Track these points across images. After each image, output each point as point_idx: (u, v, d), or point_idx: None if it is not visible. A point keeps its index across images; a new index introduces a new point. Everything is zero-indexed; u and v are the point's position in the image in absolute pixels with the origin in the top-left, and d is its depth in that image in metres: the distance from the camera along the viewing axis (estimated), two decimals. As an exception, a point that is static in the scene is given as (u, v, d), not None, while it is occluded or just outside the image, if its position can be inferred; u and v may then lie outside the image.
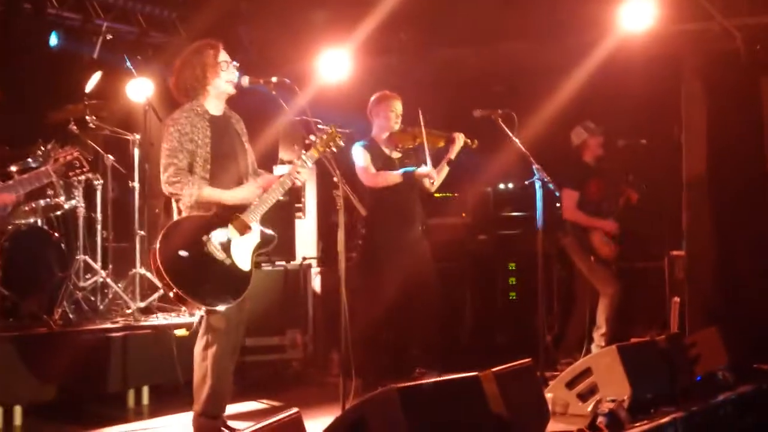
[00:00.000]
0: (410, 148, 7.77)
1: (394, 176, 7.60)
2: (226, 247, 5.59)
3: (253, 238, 5.74)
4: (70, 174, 6.80)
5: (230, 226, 5.63)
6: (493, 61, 9.83)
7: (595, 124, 8.96)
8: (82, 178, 7.89)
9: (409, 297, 7.57)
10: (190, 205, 5.58)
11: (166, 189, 5.62)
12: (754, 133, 8.67)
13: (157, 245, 5.41)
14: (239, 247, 5.65)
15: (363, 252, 7.74)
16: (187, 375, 5.95)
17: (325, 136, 5.90)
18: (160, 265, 5.38)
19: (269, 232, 5.83)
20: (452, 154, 7.73)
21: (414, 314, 7.70)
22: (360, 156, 7.63)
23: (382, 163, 7.66)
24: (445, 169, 7.76)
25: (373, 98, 7.85)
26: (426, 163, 7.56)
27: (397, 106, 7.76)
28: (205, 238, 5.54)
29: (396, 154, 7.78)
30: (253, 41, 10.12)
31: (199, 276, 5.49)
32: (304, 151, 5.90)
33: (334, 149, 5.95)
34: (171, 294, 5.49)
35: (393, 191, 7.60)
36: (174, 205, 5.75)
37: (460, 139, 7.71)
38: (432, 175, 7.60)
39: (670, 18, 8.37)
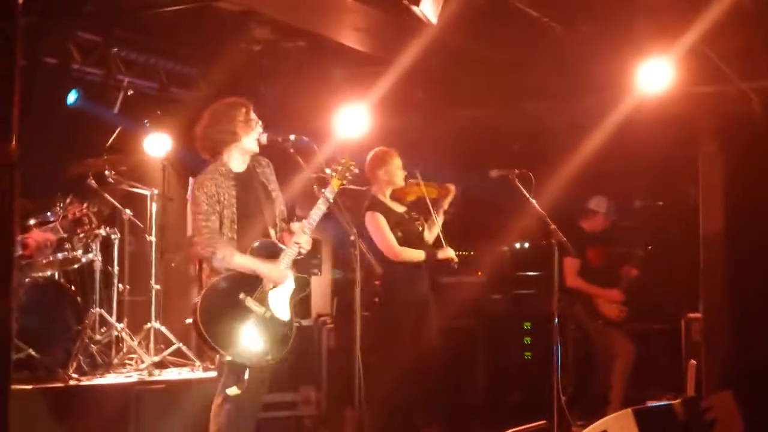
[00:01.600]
0: (413, 201, 7.82)
1: (418, 255, 7.61)
2: (263, 300, 5.62)
3: (289, 285, 5.77)
4: (78, 231, 6.83)
5: (264, 279, 5.65)
6: (511, 120, 9.89)
7: (614, 210, 9.00)
8: (101, 232, 7.94)
9: (414, 355, 7.55)
10: (219, 268, 5.61)
11: (198, 252, 5.65)
12: (771, 195, 8.67)
13: (197, 309, 5.45)
14: (277, 298, 5.69)
15: (380, 311, 7.73)
16: (204, 430, 5.91)
17: (340, 167, 5.91)
18: (201, 328, 5.42)
19: (303, 276, 5.85)
20: (445, 205, 7.82)
21: (420, 373, 7.66)
22: (378, 225, 7.58)
23: (395, 221, 7.65)
24: (441, 220, 7.79)
25: (372, 155, 7.83)
26: (436, 220, 7.69)
27: (399, 162, 7.79)
28: (242, 296, 5.57)
29: (401, 208, 7.80)
30: (273, 97, 10.20)
31: (242, 334, 5.53)
32: (324, 189, 5.88)
33: (351, 177, 5.95)
34: (217, 357, 5.52)
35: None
36: (203, 263, 5.77)
37: (452, 191, 7.79)
38: (454, 259, 7.68)
39: (687, 80, 8.40)
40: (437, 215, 7.78)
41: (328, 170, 5.90)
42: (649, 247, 9.12)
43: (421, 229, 7.72)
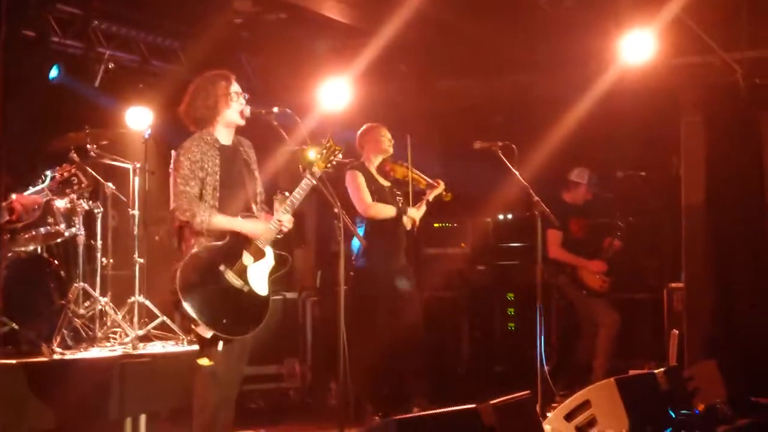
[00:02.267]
0: (399, 179, 7.90)
1: (389, 210, 7.71)
2: (242, 274, 5.62)
3: (268, 262, 5.76)
4: (68, 191, 6.79)
5: (245, 253, 5.65)
6: (494, 92, 9.88)
7: (596, 181, 9.02)
8: (85, 206, 7.91)
9: (396, 326, 7.59)
10: (201, 232, 5.59)
11: (178, 216, 5.63)
12: (753, 165, 8.71)
13: (177, 278, 5.43)
14: (255, 273, 5.68)
15: (357, 281, 7.75)
16: (186, 402, 5.92)
17: (325, 151, 5.90)
18: (180, 297, 5.40)
19: (283, 254, 5.84)
20: (430, 197, 7.92)
21: (402, 343, 7.70)
22: (356, 182, 7.69)
23: (374, 189, 7.74)
24: (423, 209, 7.89)
25: (361, 130, 7.99)
26: (409, 202, 7.80)
27: (387, 133, 7.91)
28: (222, 268, 5.57)
29: (386, 183, 7.86)
30: (255, 70, 10.17)
31: (220, 306, 5.52)
32: (307, 171, 5.88)
33: (335, 161, 5.95)
34: (193, 326, 5.51)
35: (382, 222, 7.68)
36: (184, 232, 5.74)
37: (441, 186, 7.91)
38: (416, 221, 7.85)
39: (670, 51, 8.42)
40: (420, 203, 7.87)
41: (312, 153, 5.89)
42: (630, 219, 9.13)
43: (399, 205, 7.74)
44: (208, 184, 5.64)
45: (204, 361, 5.60)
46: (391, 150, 7.87)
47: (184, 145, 5.71)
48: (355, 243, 7.63)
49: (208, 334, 5.50)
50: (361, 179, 7.70)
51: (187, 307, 5.40)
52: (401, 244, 7.84)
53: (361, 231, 7.65)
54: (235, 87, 5.84)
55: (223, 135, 5.83)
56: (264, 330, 8.16)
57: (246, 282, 5.62)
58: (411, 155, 7.83)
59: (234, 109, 5.80)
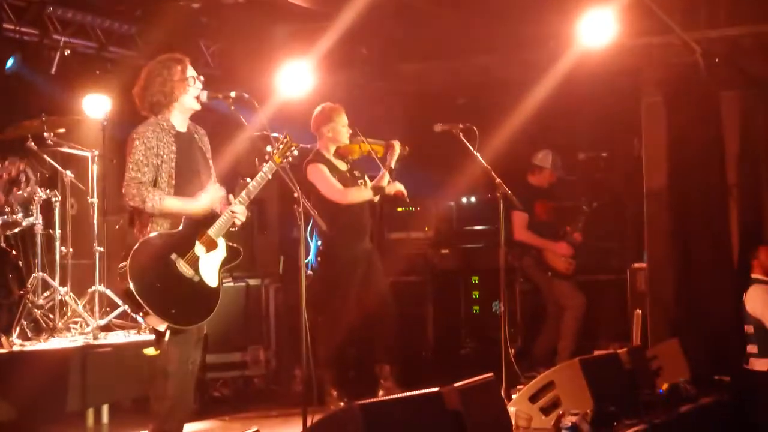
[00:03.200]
0: (356, 158, 7.84)
1: (365, 194, 7.66)
2: (194, 264, 5.54)
3: (220, 253, 5.69)
4: (15, 190, 6.70)
5: (197, 243, 5.58)
6: (455, 75, 9.85)
7: (561, 165, 9.03)
8: (43, 195, 7.82)
9: (365, 309, 7.58)
10: (153, 217, 5.51)
11: (128, 203, 5.54)
12: (714, 146, 8.74)
13: (127, 267, 5.34)
14: (207, 264, 5.60)
15: (322, 267, 7.73)
16: (148, 392, 5.86)
17: (281, 146, 5.85)
18: (130, 287, 5.32)
19: (235, 246, 5.78)
20: (392, 163, 7.84)
21: (372, 325, 7.70)
22: (320, 174, 7.61)
23: (337, 177, 7.67)
24: (387, 178, 7.79)
25: (318, 111, 7.83)
26: (385, 175, 7.73)
27: (345, 119, 7.79)
28: (173, 256, 5.48)
29: (344, 166, 7.81)
30: (214, 55, 10.09)
31: (170, 295, 5.43)
32: (264, 164, 5.84)
33: (291, 157, 5.90)
34: (140, 314, 5.44)
35: (347, 206, 7.62)
36: (137, 219, 5.66)
37: (397, 146, 7.83)
38: (403, 189, 7.71)
39: (629, 31, 8.42)
40: (383, 174, 7.78)
41: (269, 148, 5.83)
42: (595, 204, 9.15)
43: (363, 187, 7.71)
44: (164, 171, 5.55)
45: (150, 351, 5.54)
46: (347, 141, 7.79)
47: (138, 130, 5.60)
48: (314, 244, 7.62)
49: (159, 325, 5.43)
50: (325, 170, 7.63)
51: (136, 294, 5.33)
52: (366, 228, 7.81)
53: (314, 242, 7.64)
54: (190, 71, 5.76)
55: (179, 121, 5.74)
56: (226, 317, 8.25)
57: (197, 272, 5.54)
58: (366, 136, 7.76)
59: (191, 94, 5.72)
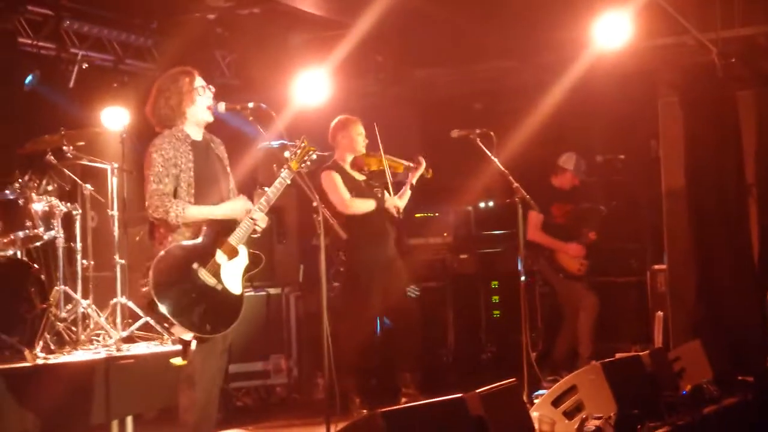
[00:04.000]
0: (374, 171, 7.87)
1: (369, 204, 7.69)
2: (216, 272, 5.56)
3: (242, 261, 5.72)
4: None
5: (219, 252, 5.60)
6: (471, 80, 9.86)
7: (585, 168, 9.02)
8: (63, 208, 7.86)
9: (388, 316, 7.60)
10: (176, 228, 5.54)
11: (152, 214, 5.57)
12: (732, 146, 8.71)
13: (149, 276, 5.37)
14: (229, 272, 5.63)
15: (346, 277, 7.75)
16: (172, 403, 5.89)
17: (298, 152, 5.87)
18: (153, 296, 5.34)
19: (256, 253, 5.80)
20: (413, 180, 7.89)
21: (396, 334, 7.71)
22: (333, 183, 7.67)
23: (351, 186, 7.73)
24: (408, 194, 7.86)
25: (335, 122, 7.91)
26: (389, 192, 7.78)
27: (361, 129, 7.85)
28: (195, 266, 5.50)
29: (360, 177, 7.85)
30: (230, 66, 10.13)
31: (194, 305, 5.45)
32: (281, 170, 5.85)
33: (308, 163, 5.92)
34: (165, 325, 5.46)
35: (367, 215, 7.67)
36: (158, 231, 5.69)
37: (422, 166, 7.89)
38: (400, 208, 7.79)
39: (645, 33, 8.41)
40: (404, 190, 7.84)
41: (286, 153, 5.85)
42: (614, 202, 9.14)
43: (378, 197, 7.72)
44: (183, 181, 5.58)
45: (177, 361, 5.57)
46: (363, 150, 7.85)
47: (155, 143, 5.64)
48: None
49: (185, 335, 5.46)
50: (337, 178, 7.69)
51: (160, 306, 5.35)
52: (388, 234, 7.83)
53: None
54: (198, 81, 5.78)
55: (194, 131, 5.77)
56: (247, 326, 8.27)
57: (220, 281, 5.56)
58: (382, 143, 7.79)
59: (200, 104, 5.74)
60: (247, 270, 5.75)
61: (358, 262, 7.68)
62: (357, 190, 7.72)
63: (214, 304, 5.52)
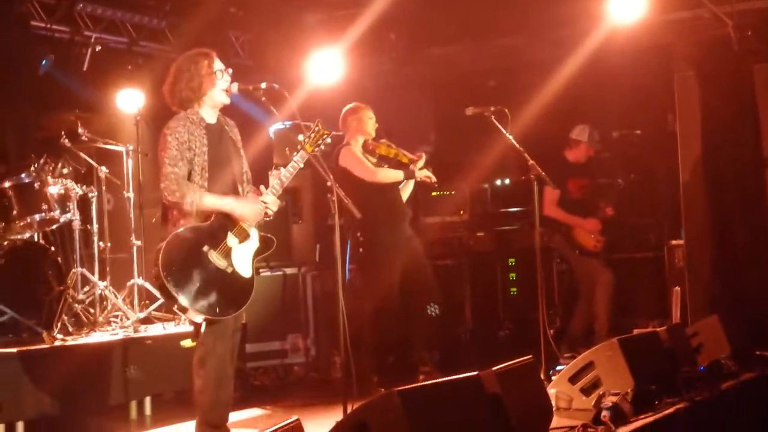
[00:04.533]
0: (383, 156, 7.84)
1: (398, 174, 7.66)
2: (227, 255, 5.56)
3: (253, 244, 5.71)
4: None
5: (230, 234, 5.60)
6: (485, 57, 9.82)
7: (598, 138, 8.96)
8: (79, 191, 7.89)
9: (406, 296, 7.60)
10: (190, 214, 5.54)
11: (166, 198, 5.56)
12: (749, 119, 8.66)
13: (159, 258, 5.37)
14: (240, 255, 5.62)
15: (364, 257, 7.74)
16: (190, 383, 5.91)
17: (312, 135, 5.86)
18: (163, 278, 5.35)
19: (268, 236, 5.80)
20: (415, 171, 7.82)
21: (413, 312, 7.71)
22: (353, 156, 7.65)
23: None
24: (411, 183, 7.85)
25: (346, 108, 7.91)
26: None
27: (372, 114, 7.85)
28: (206, 248, 5.50)
29: (372, 160, 7.81)
30: (244, 46, 10.12)
31: (203, 286, 5.44)
32: (295, 153, 5.85)
33: (323, 146, 5.92)
34: (175, 306, 5.47)
35: (382, 193, 7.64)
36: (171, 213, 5.68)
37: (422, 160, 7.81)
38: (432, 178, 7.74)
39: (659, 7, 8.36)
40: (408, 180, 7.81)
41: (300, 136, 5.85)
42: (632, 176, 9.09)
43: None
44: (197, 165, 5.57)
45: (187, 343, 5.59)
46: (373, 133, 7.85)
47: (170, 125, 5.62)
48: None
49: (196, 317, 5.47)
50: (358, 150, 7.67)
51: (170, 288, 5.35)
52: (405, 213, 7.82)
53: None
54: (217, 64, 5.76)
55: (209, 114, 5.76)
56: (264, 306, 8.30)
57: (230, 263, 5.56)
58: (398, 123, 7.78)
59: (219, 87, 5.73)
60: (258, 253, 5.75)
61: (376, 242, 7.66)
62: None
63: (224, 286, 5.51)
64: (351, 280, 7.78)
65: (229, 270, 5.54)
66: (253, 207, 5.67)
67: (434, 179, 7.80)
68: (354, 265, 7.95)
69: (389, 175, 7.67)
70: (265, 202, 5.68)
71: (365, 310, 7.42)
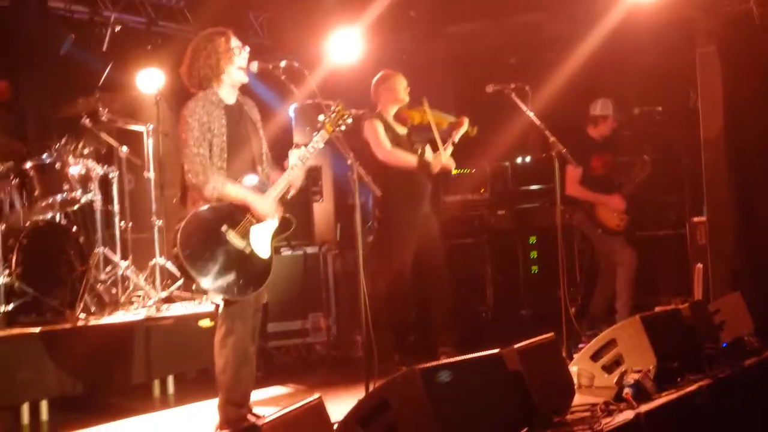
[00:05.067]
0: (416, 125, 7.76)
1: (410, 159, 7.58)
2: (245, 235, 5.57)
3: (271, 224, 5.72)
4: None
5: (248, 215, 5.61)
6: (505, 34, 9.78)
7: (618, 109, 8.88)
8: (99, 171, 7.92)
9: (419, 277, 7.57)
10: (210, 198, 5.54)
11: (189, 180, 5.55)
12: (771, 94, 8.60)
13: (178, 237, 5.39)
14: (258, 235, 5.63)
15: (380, 234, 7.73)
16: (212, 362, 5.93)
17: (333, 115, 5.85)
18: (181, 258, 5.36)
19: (287, 217, 5.80)
20: (455, 138, 7.77)
21: (428, 294, 7.69)
22: (374, 130, 7.57)
23: (392, 138, 7.61)
24: (449, 151, 7.74)
25: (377, 77, 7.81)
26: (438, 146, 7.62)
27: (404, 81, 7.75)
28: (224, 228, 5.51)
29: (403, 130, 7.74)
30: (263, 25, 10.10)
31: (220, 266, 5.46)
32: (315, 133, 5.85)
33: (344, 127, 5.90)
34: (193, 286, 5.48)
35: (403, 171, 7.56)
36: (191, 194, 5.69)
37: (465, 124, 7.75)
38: (449, 167, 7.67)
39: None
40: (444, 144, 7.69)
41: (321, 117, 5.84)
42: (654, 153, 9.02)
43: (419, 152, 7.64)
44: (216, 146, 5.56)
45: (205, 322, 5.62)
46: (407, 98, 7.75)
47: (188, 106, 5.62)
48: None
49: (215, 297, 5.48)
50: (379, 126, 7.58)
51: (188, 267, 5.36)
52: (424, 192, 7.74)
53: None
54: (234, 42, 5.76)
55: (228, 94, 5.76)
56: (286, 286, 8.32)
57: (248, 243, 5.57)
58: (428, 103, 7.71)
59: (237, 65, 5.72)
60: (277, 233, 5.76)
61: (392, 220, 7.62)
62: (397, 142, 7.61)
63: (241, 266, 5.52)
64: (367, 258, 7.73)
65: (248, 250, 5.54)
66: (271, 205, 5.67)
67: (452, 168, 7.73)
68: (372, 243, 7.93)
69: (399, 158, 7.57)
70: (289, 180, 5.69)
71: (380, 289, 7.41)
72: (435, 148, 7.69)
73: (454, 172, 8.38)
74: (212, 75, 5.69)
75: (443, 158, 7.66)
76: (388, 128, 7.67)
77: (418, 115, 7.74)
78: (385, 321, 7.37)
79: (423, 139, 7.79)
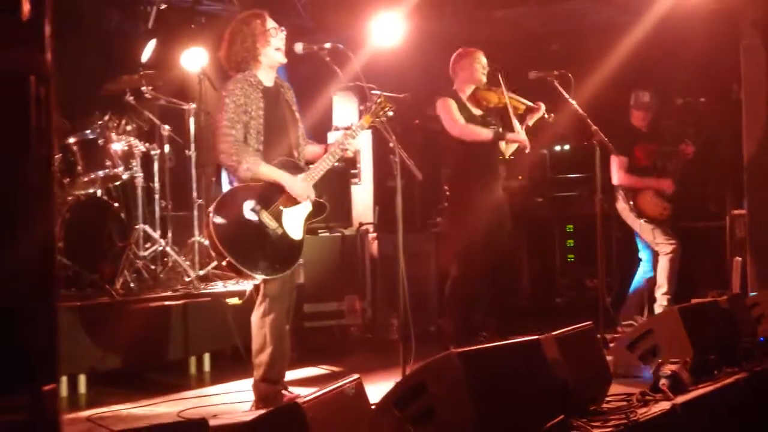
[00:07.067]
0: (492, 107, 7.57)
1: (485, 133, 7.34)
2: (277, 216, 5.61)
3: (305, 207, 5.75)
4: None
5: (282, 196, 5.64)
6: (549, 20, 9.74)
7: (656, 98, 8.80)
8: (142, 148, 7.98)
9: (489, 260, 7.46)
10: (244, 178, 5.58)
11: (223, 160, 5.61)
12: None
13: (211, 216, 5.45)
14: (291, 217, 5.67)
15: (450, 217, 7.63)
16: (247, 341, 5.97)
17: (374, 106, 5.89)
18: (213, 235, 5.42)
19: (321, 201, 5.83)
20: (530, 122, 7.59)
21: (485, 278, 7.56)
22: (447, 107, 7.38)
23: (467, 117, 7.41)
24: (522, 135, 7.50)
25: (454, 55, 7.63)
26: (513, 128, 7.42)
27: (483, 59, 7.55)
28: (257, 207, 5.56)
29: (478, 111, 7.54)
30: (306, 7, 10.10)
31: (251, 245, 5.52)
32: (354, 125, 5.89)
33: (384, 118, 5.92)
34: (224, 263, 5.54)
35: (478, 151, 7.36)
36: (225, 175, 5.75)
37: (542, 109, 7.56)
38: (525, 143, 7.47)
39: (727, -29, 8.23)
40: (519, 128, 7.49)
41: (362, 107, 5.88)
42: (702, 139, 8.95)
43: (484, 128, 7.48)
44: (252, 128, 5.61)
45: (233, 300, 5.66)
46: (484, 79, 7.52)
47: (227, 87, 5.68)
48: None
49: (252, 275, 5.54)
50: (452, 103, 7.38)
51: (218, 244, 5.42)
52: (499, 175, 7.59)
53: None
54: (270, 23, 5.79)
55: (266, 76, 5.80)
56: (322, 267, 8.35)
57: (280, 224, 5.62)
58: (505, 84, 7.54)
59: (273, 45, 5.76)
60: (310, 217, 5.80)
61: (461, 201, 7.47)
62: (472, 122, 7.41)
63: (272, 247, 5.58)
64: (436, 235, 7.49)
65: (279, 231, 5.59)
66: (306, 187, 5.71)
67: (527, 146, 7.50)
68: (442, 220, 7.80)
69: (474, 132, 7.33)
70: (344, 148, 5.80)
71: (451, 269, 7.33)
72: (510, 131, 7.49)
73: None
74: (250, 57, 5.74)
75: (520, 135, 7.45)
76: (463, 107, 7.46)
77: (495, 96, 7.49)
78: (454, 307, 7.32)
79: (499, 122, 7.62)
